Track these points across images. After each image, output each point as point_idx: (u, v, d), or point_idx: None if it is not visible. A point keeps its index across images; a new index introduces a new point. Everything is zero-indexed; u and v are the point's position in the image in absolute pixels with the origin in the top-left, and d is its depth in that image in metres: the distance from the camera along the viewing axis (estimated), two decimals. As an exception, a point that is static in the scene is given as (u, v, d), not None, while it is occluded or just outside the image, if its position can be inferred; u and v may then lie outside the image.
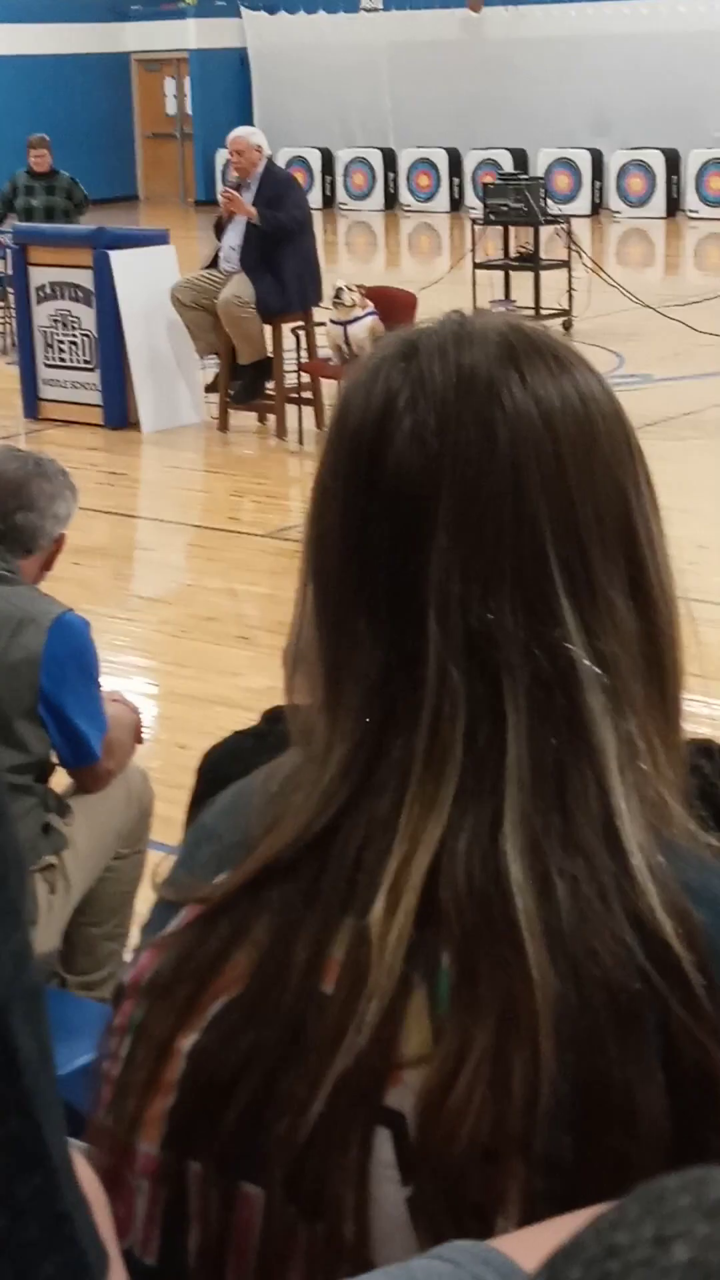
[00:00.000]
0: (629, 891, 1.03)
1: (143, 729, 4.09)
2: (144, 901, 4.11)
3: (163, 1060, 1.09)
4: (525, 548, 1.06)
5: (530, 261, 13.63)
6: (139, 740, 4.05)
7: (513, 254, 13.84)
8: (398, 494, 1.07)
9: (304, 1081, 1.03)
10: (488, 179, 15.59)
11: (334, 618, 1.11)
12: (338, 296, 10.20)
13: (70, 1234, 0.72)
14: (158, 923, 1.16)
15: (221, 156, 25.96)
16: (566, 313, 13.56)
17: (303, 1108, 1.03)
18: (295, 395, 10.70)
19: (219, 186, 10.83)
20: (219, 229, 10.87)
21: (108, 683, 3.90)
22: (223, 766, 3.30)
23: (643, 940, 1.02)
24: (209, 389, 11.06)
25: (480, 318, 1.14)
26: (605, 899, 1.03)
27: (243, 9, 26.97)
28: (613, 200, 23.58)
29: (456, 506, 1.06)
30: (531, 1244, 0.89)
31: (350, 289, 10.22)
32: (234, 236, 10.64)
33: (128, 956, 4.10)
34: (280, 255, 10.47)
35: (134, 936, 4.10)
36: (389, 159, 25.44)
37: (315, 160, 25.65)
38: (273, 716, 3.29)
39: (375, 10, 23.85)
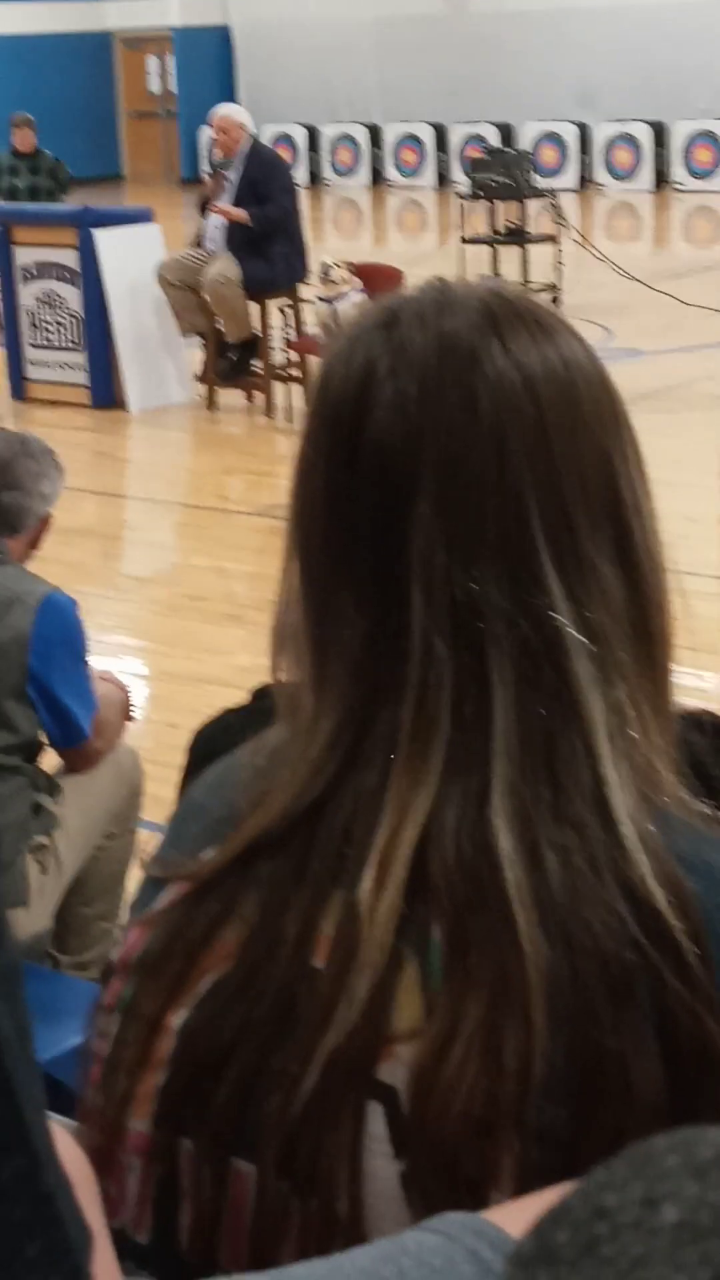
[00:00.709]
0: (620, 861, 1.02)
1: (132, 708, 4.08)
2: (135, 881, 4.10)
3: (153, 1037, 1.08)
4: (509, 516, 1.05)
5: (518, 236, 13.61)
6: (128, 719, 4.05)
7: (500, 229, 13.82)
8: (379, 464, 1.06)
9: (295, 1057, 1.03)
10: (474, 154, 15.56)
11: (318, 591, 1.10)
12: (326, 274, 10.17)
13: (53, 1214, 0.71)
14: (146, 900, 1.15)
15: (205, 134, 25.90)
16: (555, 287, 13.54)
17: (294, 1084, 1.02)
18: (283, 373, 10.69)
19: (203, 164, 10.77)
20: (204, 208, 10.85)
21: (97, 662, 3.89)
22: (213, 744, 3.29)
23: (634, 910, 1.01)
24: (201, 379, 11.03)
25: (462, 285, 1.12)
26: (596, 869, 1.02)
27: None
28: (600, 174, 23.55)
29: (438, 476, 1.05)
30: (524, 1215, 0.88)
31: (338, 265, 10.20)
32: (220, 217, 10.62)
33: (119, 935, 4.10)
34: (276, 236, 10.44)
35: (126, 916, 4.10)
36: (374, 135, 25.39)
37: (301, 137, 25.60)
38: (261, 693, 3.30)
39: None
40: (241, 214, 10.38)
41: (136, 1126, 1.09)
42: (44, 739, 3.74)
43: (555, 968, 1.00)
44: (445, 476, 1.05)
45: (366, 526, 1.06)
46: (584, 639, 1.05)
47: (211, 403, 10.93)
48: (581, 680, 1.05)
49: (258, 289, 10.49)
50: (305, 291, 10.65)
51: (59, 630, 3.61)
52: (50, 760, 3.88)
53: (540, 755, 1.04)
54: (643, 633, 1.09)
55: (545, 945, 1.00)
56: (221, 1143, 1.05)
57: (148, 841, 4.12)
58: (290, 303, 10.65)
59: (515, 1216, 0.87)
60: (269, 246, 10.44)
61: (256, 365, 10.80)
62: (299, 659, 1.12)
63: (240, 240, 10.47)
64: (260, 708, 3.52)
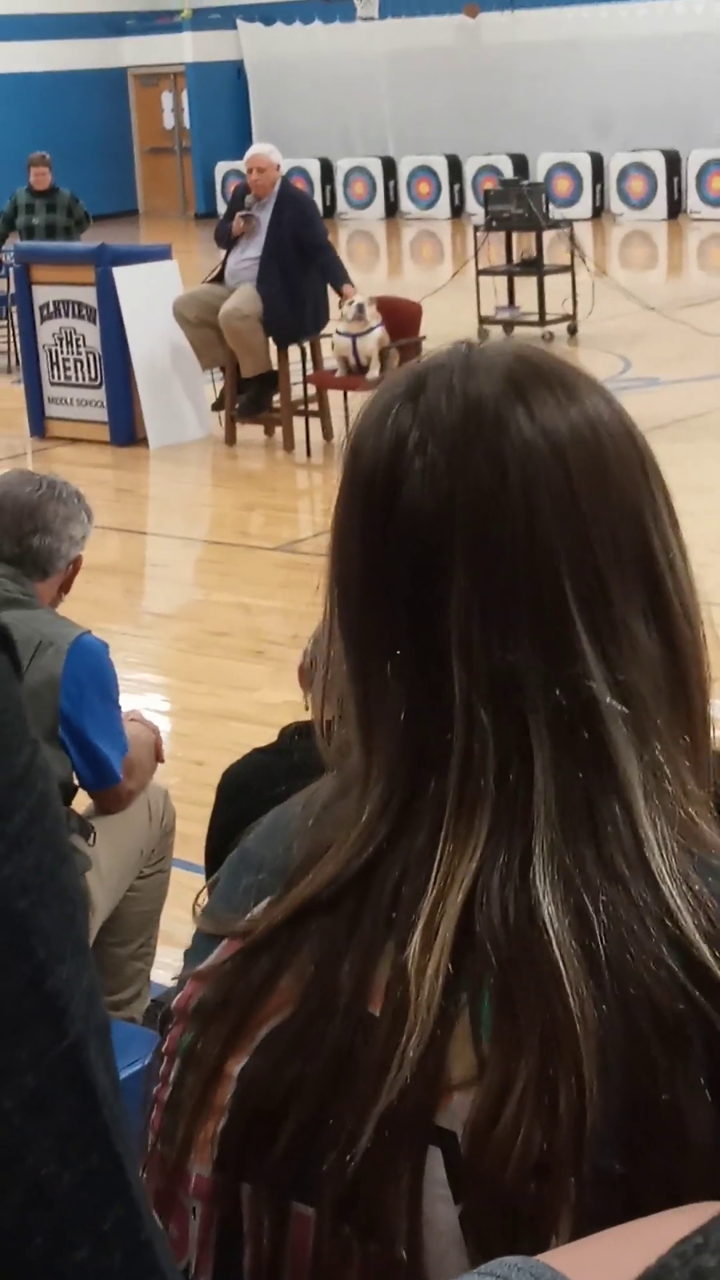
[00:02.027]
0: (664, 916, 1.04)
1: (162, 748, 4.10)
2: (169, 920, 4.12)
3: (213, 1083, 1.10)
4: (542, 584, 1.07)
5: (533, 267, 13.64)
6: (159, 759, 4.06)
7: (516, 260, 13.85)
8: (413, 537, 1.08)
9: (353, 1110, 1.04)
10: (489, 185, 15.60)
11: (360, 659, 1.12)
12: (359, 313, 10.18)
13: (152, 1262, 0.73)
14: (200, 952, 1.17)
15: (221, 169, 26.04)
16: (571, 317, 13.57)
17: (353, 1136, 1.04)
18: (302, 407, 10.71)
19: (219, 200, 10.80)
20: (228, 243, 10.85)
21: (123, 701, 3.91)
22: (242, 784, 3.32)
23: (683, 962, 1.03)
24: (215, 407, 11.07)
25: (487, 349, 1.14)
26: (641, 924, 1.04)
27: (239, 21, 27.01)
28: (614, 203, 23.59)
29: (471, 547, 1.06)
30: (582, 1257, 0.89)
31: (370, 302, 10.22)
32: (251, 251, 10.62)
33: (155, 975, 4.11)
34: (302, 277, 10.45)
35: (160, 955, 4.12)
36: (389, 167, 25.47)
37: (315, 170, 25.68)
38: (292, 733, 3.31)
39: (371, 19, 23.88)
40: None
41: (197, 1170, 1.11)
42: (76, 781, 3.76)
43: (606, 1021, 1.01)
44: (477, 547, 1.06)
45: (404, 597, 1.08)
46: (619, 702, 1.07)
47: (231, 438, 10.96)
48: (617, 743, 1.07)
49: (284, 336, 10.50)
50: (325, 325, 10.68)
51: (90, 673, 3.63)
52: (81, 801, 3.90)
53: (581, 818, 1.06)
54: (678, 685, 1.11)
55: (594, 1000, 1.01)
56: (281, 1187, 1.07)
57: (185, 883, 4.14)
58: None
59: (573, 1259, 0.88)
60: (301, 289, 10.43)
61: (276, 400, 10.83)
62: (345, 718, 1.14)
63: (276, 279, 10.48)
64: (288, 748, 3.52)
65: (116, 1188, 0.72)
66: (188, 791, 4.93)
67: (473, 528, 1.06)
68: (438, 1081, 1.03)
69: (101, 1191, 0.72)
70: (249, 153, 11.06)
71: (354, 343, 10.21)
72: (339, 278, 10.53)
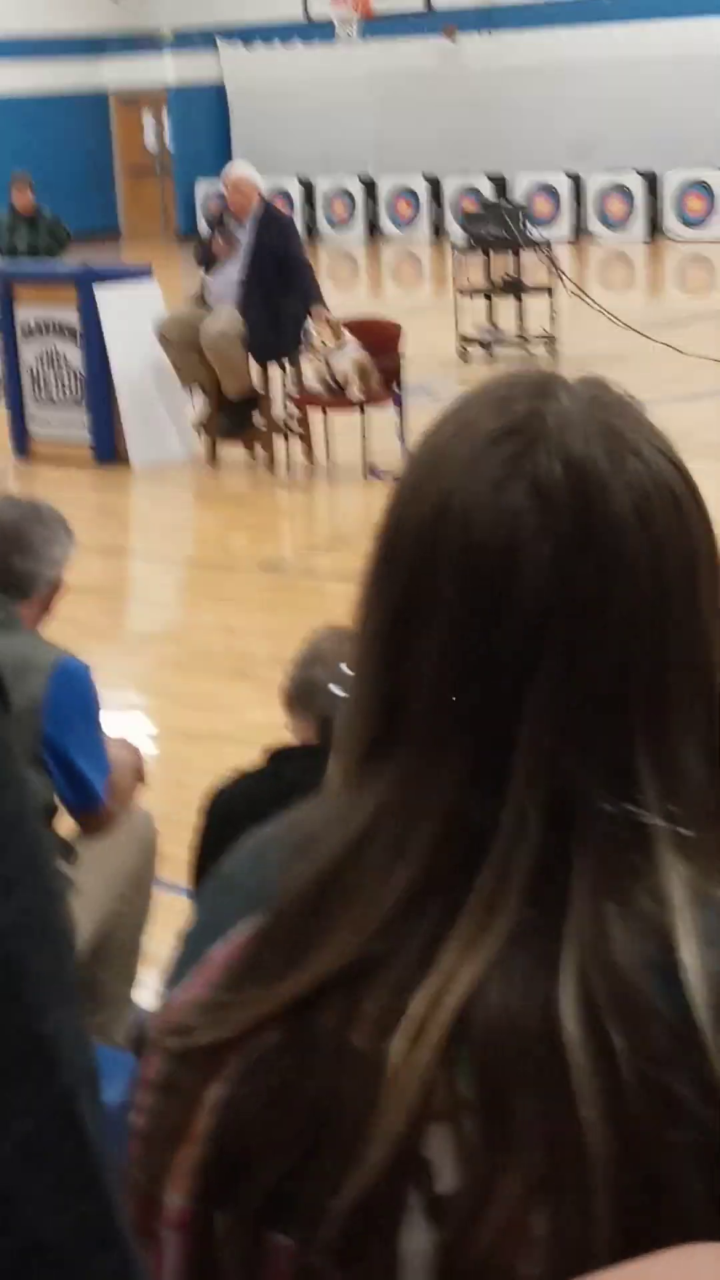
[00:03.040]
0: (694, 1050, 1.01)
1: (144, 771, 4.10)
2: (152, 942, 4.11)
3: (190, 1112, 1.09)
4: (617, 706, 1.05)
5: (514, 288, 13.68)
6: (141, 781, 4.06)
7: (496, 280, 13.89)
8: (517, 629, 1.03)
9: (337, 1156, 1.04)
10: (469, 206, 15.64)
11: (417, 738, 1.07)
12: (305, 339, 10.24)
13: None
14: (178, 977, 1.16)
15: (202, 190, 26.08)
16: (551, 338, 13.60)
17: (336, 1183, 1.03)
18: (285, 427, 10.73)
19: (200, 220, 10.82)
20: (208, 263, 10.87)
21: (104, 722, 3.91)
22: (230, 806, 3.32)
23: (703, 1094, 1.00)
24: (199, 425, 11.08)
25: (579, 398, 1.09)
26: (669, 1057, 1.00)
27: (219, 42, 27.08)
28: (594, 224, 23.66)
29: (568, 655, 1.04)
30: None
31: (320, 329, 10.22)
32: (232, 272, 10.64)
33: (137, 997, 4.10)
34: (282, 297, 10.46)
35: (142, 976, 4.12)
36: (369, 188, 25.53)
37: (296, 190, 25.73)
38: (279, 757, 3.30)
39: (351, 38, 23.93)
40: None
41: (174, 1201, 1.10)
42: (58, 803, 3.75)
43: (618, 1148, 0.99)
44: (570, 650, 1.03)
45: (486, 692, 1.05)
46: (670, 828, 1.05)
47: (213, 458, 10.97)
48: (663, 870, 1.04)
49: (264, 354, 10.51)
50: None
51: (73, 696, 3.63)
52: (64, 824, 3.89)
53: (615, 938, 1.03)
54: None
55: (608, 1129, 0.99)
56: (260, 1219, 1.07)
57: (165, 903, 4.13)
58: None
59: None
60: (281, 309, 10.45)
61: (258, 420, 10.84)
62: (367, 775, 1.11)
63: (257, 299, 10.50)
64: (275, 771, 3.51)
65: (108, 1235, 0.73)
66: (171, 812, 4.91)
67: (570, 630, 1.03)
68: (413, 1153, 1.02)
69: (94, 1239, 0.72)
70: (225, 172, 11.09)
71: (328, 363, 10.23)
72: (310, 299, 10.55)
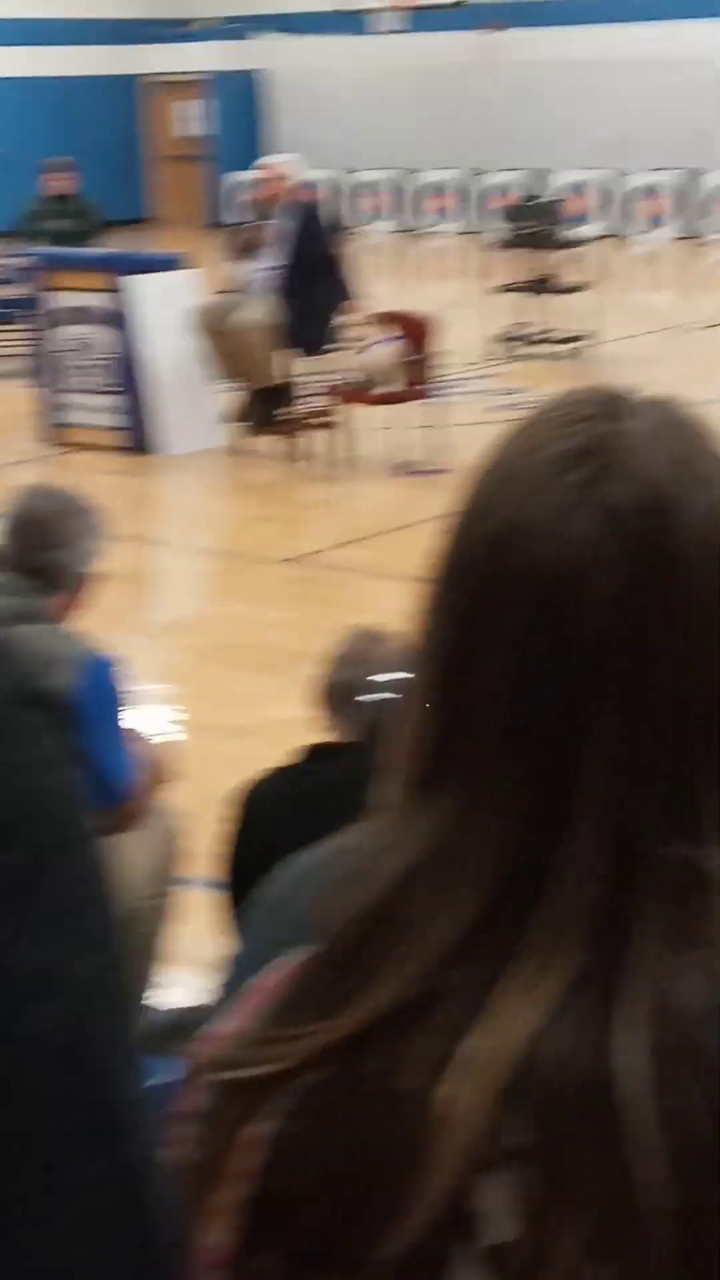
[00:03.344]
0: None
1: (168, 767, 4.07)
2: (174, 940, 4.08)
3: (232, 1147, 1.06)
4: (679, 744, 1.01)
5: (548, 284, 13.64)
6: (165, 779, 4.04)
7: (530, 277, 13.85)
8: (580, 665, 1.01)
9: (383, 1203, 1.01)
10: (505, 202, 15.59)
11: (475, 770, 1.04)
12: (343, 331, 10.22)
13: None
14: (223, 1001, 1.13)
15: (237, 179, 26.05)
16: (585, 337, 13.56)
17: (387, 1230, 1.00)
18: (313, 420, 10.70)
19: (234, 210, 10.83)
20: (245, 252, 10.84)
21: (128, 714, 3.88)
22: (265, 800, 3.30)
23: None
24: (228, 418, 11.06)
25: (651, 419, 1.06)
26: None
27: (260, 32, 27.03)
28: (629, 223, 23.60)
29: (636, 688, 1.01)
30: None
31: (354, 322, 10.21)
32: (267, 261, 10.60)
33: (157, 996, 4.07)
34: (318, 288, 10.44)
35: (161, 977, 4.09)
36: (405, 181, 25.48)
37: (331, 182, 25.69)
38: (316, 752, 3.28)
39: (393, 33, 23.88)
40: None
41: (214, 1238, 1.07)
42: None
43: (678, 1210, 0.96)
44: (644, 687, 1.01)
45: (548, 724, 1.02)
46: None
47: (243, 449, 10.94)
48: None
49: (304, 345, 10.48)
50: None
51: (99, 692, 3.60)
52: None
53: (680, 989, 0.99)
54: None
55: (670, 1188, 0.95)
56: (305, 1262, 1.04)
57: (192, 900, 4.11)
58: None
59: None
60: (319, 299, 10.42)
61: (286, 412, 10.81)
62: (420, 803, 1.08)
63: (297, 286, 10.46)
64: (312, 767, 3.49)
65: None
66: (192, 807, 4.90)
67: (644, 664, 1.00)
68: (466, 1198, 0.99)
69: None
70: (262, 161, 11.06)
71: (364, 357, 10.20)
72: (345, 292, 10.52)
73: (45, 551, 3.71)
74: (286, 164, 10.88)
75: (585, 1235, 0.96)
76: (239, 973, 1.14)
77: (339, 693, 3.25)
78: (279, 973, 1.09)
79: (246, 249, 10.80)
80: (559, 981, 1.00)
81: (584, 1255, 0.96)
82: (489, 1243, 0.99)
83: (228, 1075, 1.05)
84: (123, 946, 0.73)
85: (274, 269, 10.55)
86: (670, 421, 1.07)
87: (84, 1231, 0.66)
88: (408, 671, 1.11)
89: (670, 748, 1.01)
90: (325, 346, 10.53)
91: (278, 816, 3.15)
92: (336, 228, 11.15)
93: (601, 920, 1.00)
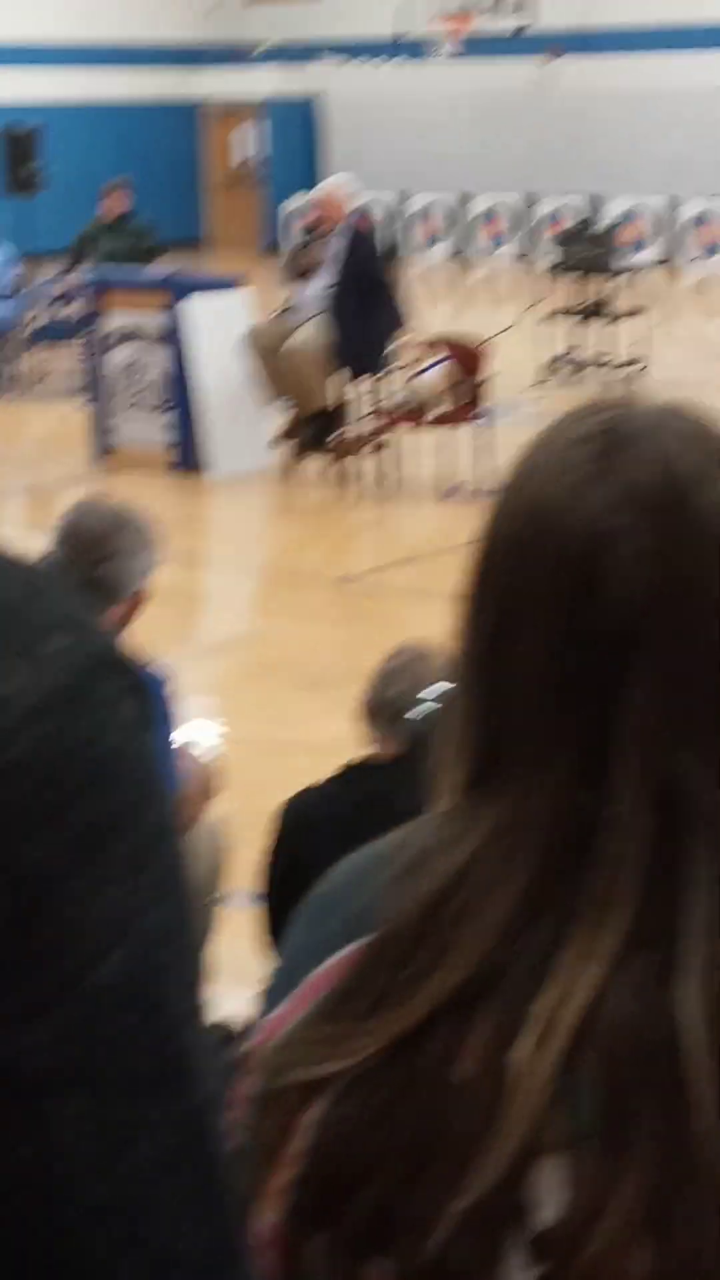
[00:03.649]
0: None
1: (216, 782, 4.09)
2: (219, 953, 4.10)
3: (288, 1132, 1.08)
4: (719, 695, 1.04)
5: (602, 310, 13.65)
6: (212, 794, 4.05)
7: (585, 303, 13.86)
8: (610, 626, 1.03)
9: (439, 1190, 1.02)
10: (560, 227, 15.60)
11: (520, 745, 1.07)
12: (396, 355, 10.25)
13: None
14: (278, 994, 1.15)
15: (293, 202, 26.16)
16: (640, 363, 13.55)
17: (435, 1217, 1.02)
18: (364, 443, 10.73)
19: (291, 233, 10.87)
20: (300, 275, 10.89)
21: (176, 730, 3.90)
22: (306, 818, 3.32)
23: None
24: (279, 439, 11.10)
25: (673, 417, 1.09)
26: None
27: (317, 56, 27.15)
28: (685, 250, 23.59)
29: (668, 643, 1.03)
30: None
31: (407, 346, 10.23)
32: (321, 284, 10.65)
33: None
34: (372, 311, 10.47)
35: (206, 990, 4.09)
36: (461, 206, 25.54)
37: (386, 206, 25.77)
38: (356, 768, 3.30)
39: (451, 57, 23.93)
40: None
41: (268, 1218, 1.09)
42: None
43: None
44: (674, 644, 1.03)
45: (589, 689, 1.04)
46: None
47: (293, 470, 10.98)
48: None
49: (350, 368, 10.52)
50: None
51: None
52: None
53: None
54: None
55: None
56: (359, 1242, 1.05)
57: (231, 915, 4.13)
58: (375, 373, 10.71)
59: None
60: (374, 321, 10.44)
61: (337, 434, 10.84)
62: (454, 790, 1.11)
63: (343, 313, 10.50)
64: (352, 784, 3.51)
65: (236, 1252, 0.74)
66: (239, 822, 4.92)
67: (672, 623, 1.03)
68: (519, 1192, 1.01)
69: (224, 1255, 0.73)
70: (321, 185, 11.11)
71: (416, 381, 10.23)
72: (398, 316, 10.56)
73: (99, 564, 3.72)
74: (341, 187, 10.92)
75: (640, 1203, 0.98)
76: (292, 965, 1.16)
77: (382, 708, 3.27)
78: (335, 966, 1.11)
79: (301, 272, 10.84)
80: (615, 938, 1.02)
81: (633, 1228, 0.98)
82: (540, 1229, 1.00)
83: (288, 1079, 1.08)
84: (190, 906, 0.76)
85: (327, 292, 10.59)
86: (679, 410, 1.10)
87: (157, 1167, 0.70)
88: (451, 679, 1.14)
89: (707, 704, 1.03)
90: (378, 370, 10.56)
91: (317, 832, 3.17)
92: (390, 252, 11.18)
93: (653, 874, 1.02)
